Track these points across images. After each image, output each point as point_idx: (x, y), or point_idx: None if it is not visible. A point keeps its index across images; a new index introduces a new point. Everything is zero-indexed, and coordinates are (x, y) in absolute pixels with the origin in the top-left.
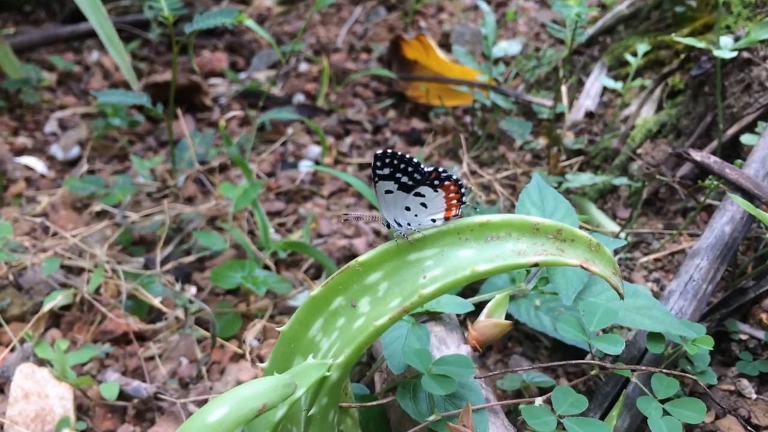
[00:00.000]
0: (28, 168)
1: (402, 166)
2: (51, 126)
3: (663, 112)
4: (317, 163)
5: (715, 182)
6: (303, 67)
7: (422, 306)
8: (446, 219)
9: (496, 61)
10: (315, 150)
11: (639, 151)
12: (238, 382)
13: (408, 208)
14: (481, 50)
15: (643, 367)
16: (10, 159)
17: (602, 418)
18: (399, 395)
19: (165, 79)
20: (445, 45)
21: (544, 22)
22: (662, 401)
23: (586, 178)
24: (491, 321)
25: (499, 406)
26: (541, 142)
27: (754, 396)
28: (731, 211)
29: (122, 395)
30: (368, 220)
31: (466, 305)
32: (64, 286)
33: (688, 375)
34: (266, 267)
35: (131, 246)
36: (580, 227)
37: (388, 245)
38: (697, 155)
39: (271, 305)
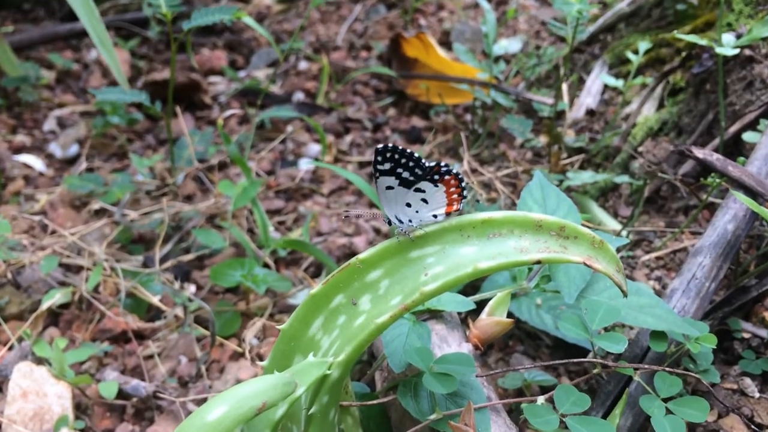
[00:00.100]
0: (27, 166)
1: (403, 161)
2: (50, 124)
3: (664, 110)
4: (317, 160)
5: (718, 180)
6: (302, 65)
7: (423, 304)
8: (448, 214)
9: (497, 59)
10: (315, 148)
11: (640, 149)
12: (238, 381)
13: (409, 205)
14: (481, 48)
15: (646, 366)
16: (9, 157)
17: (605, 416)
18: (400, 394)
19: (164, 77)
20: (446, 43)
21: (545, 20)
22: (665, 400)
23: (587, 176)
24: (493, 319)
25: (500, 405)
26: (542, 140)
27: (757, 395)
28: (734, 208)
29: (121, 394)
30: (368, 218)
31: (468, 303)
32: (62, 284)
33: (691, 373)
34: (266, 265)
35: (130, 244)
36: (582, 226)
37: (389, 242)
38: (699, 153)
39: (270, 304)
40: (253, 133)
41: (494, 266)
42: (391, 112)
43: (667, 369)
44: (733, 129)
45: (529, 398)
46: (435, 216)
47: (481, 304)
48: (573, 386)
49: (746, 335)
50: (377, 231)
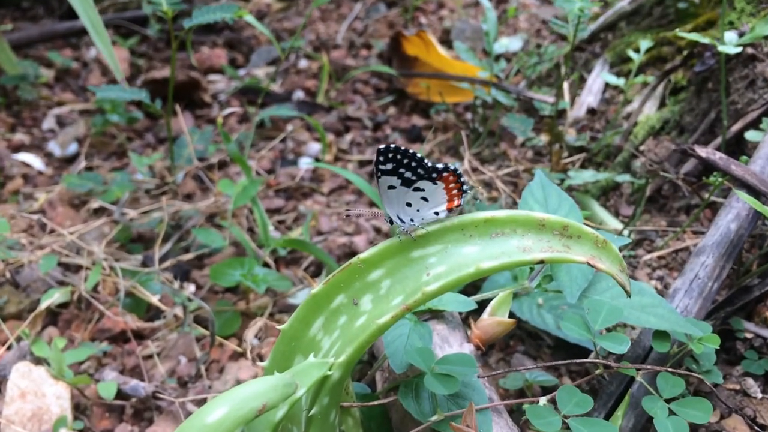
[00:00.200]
0: (26, 165)
1: (405, 161)
2: (49, 122)
3: (666, 109)
4: (317, 160)
5: (720, 179)
6: (303, 63)
7: (425, 304)
8: (449, 210)
9: (498, 58)
10: (315, 147)
11: (642, 148)
12: (238, 381)
13: (409, 204)
14: (481, 47)
15: (649, 366)
16: (8, 156)
17: (607, 417)
18: (401, 395)
19: (164, 75)
20: (446, 41)
21: (545, 19)
22: (668, 401)
23: (588, 175)
24: (494, 319)
25: (502, 406)
26: (543, 138)
27: (760, 395)
28: (737, 208)
29: (120, 394)
30: (369, 217)
31: (469, 303)
32: (61, 283)
33: (693, 374)
34: (266, 264)
35: (129, 243)
36: (584, 224)
37: (390, 242)
38: (702, 151)
39: (270, 303)
40: (253, 132)
41: (497, 266)
42: (392, 110)
43: (670, 370)
44: (735, 128)
45: (531, 399)
46: (437, 213)
47: (482, 304)
48: (575, 387)
49: (749, 335)
50: (378, 230)
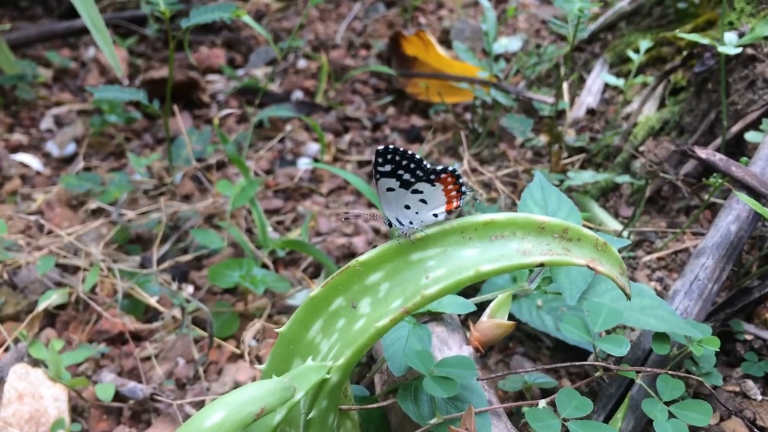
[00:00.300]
0: (24, 165)
1: (404, 162)
2: (47, 123)
3: (665, 110)
4: (316, 160)
5: (720, 180)
6: (301, 63)
7: (424, 307)
8: (449, 212)
9: (497, 58)
10: (314, 147)
11: (641, 148)
12: (236, 383)
13: (408, 207)
14: (481, 47)
15: (648, 369)
16: (5, 156)
17: (606, 420)
18: (400, 397)
19: (162, 75)
20: (445, 41)
21: (545, 19)
22: (668, 403)
23: (587, 176)
24: (494, 321)
25: (501, 409)
26: (542, 139)
27: (760, 397)
28: (737, 209)
29: (118, 396)
30: (368, 219)
31: (469, 305)
32: (59, 285)
33: (693, 376)
34: (264, 266)
35: (127, 244)
36: (584, 226)
37: (389, 244)
38: (702, 153)
39: (269, 304)
40: (251, 132)
41: (497, 269)
42: (391, 110)
43: (670, 372)
44: (735, 129)
45: (530, 402)
46: (436, 215)
47: (481, 306)
48: (575, 389)
49: (748, 337)
50: (376, 231)
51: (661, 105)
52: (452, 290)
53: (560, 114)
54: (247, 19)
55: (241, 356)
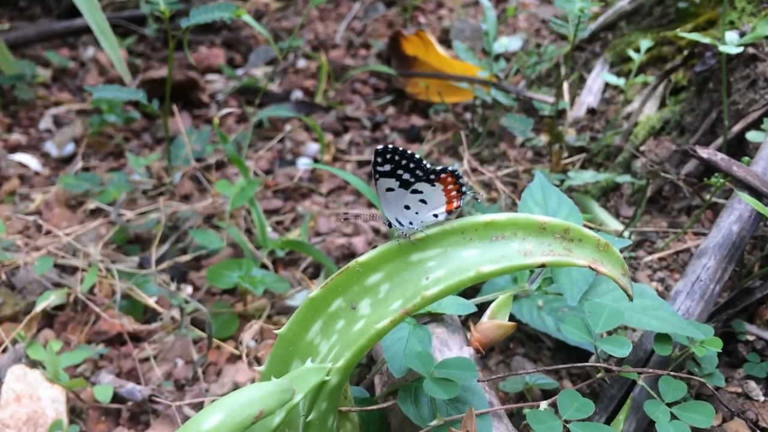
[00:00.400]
0: (22, 165)
1: (403, 162)
2: (45, 123)
3: (666, 109)
4: (316, 160)
5: (722, 180)
6: (301, 63)
7: (424, 308)
8: (449, 212)
9: (497, 58)
10: (313, 147)
11: (642, 148)
12: (235, 384)
13: (408, 207)
14: (481, 46)
15: (650, 370)
16: (4, 156)
17: (608, 421)
18: (400, 399)
19: (161, 75)
20: (445, 41)
21: (545, 18)
22: (670, 405)
23: (588, 176)
24: (495, 322)
25: (502, 410)
26: (543, 139)
27: (762, 398)
28: (739, 209)
29: (116, 397)
30: (367, 219)
31: (469, 306)
32: (57, 285)
33: (695, 377)
34: (264, 266)
35: (126, 245)
36: (584, 226)
37: (389, 245)
38: (703, 152)
39: (268, 305)
40: (251, 132)
41: (497, 270)
42: (390, 110)
43: (672, 373)
44: (736, 128)
45: (531, 404)
46: (436, 215)
47: (482, 307)
48: (576, 391)
49: (751, 338)
50: (376, 231)
51: (662, 104)
52: (453, 291)
53: (561, 114)
54: (247, 18)
55: (240, 357)
